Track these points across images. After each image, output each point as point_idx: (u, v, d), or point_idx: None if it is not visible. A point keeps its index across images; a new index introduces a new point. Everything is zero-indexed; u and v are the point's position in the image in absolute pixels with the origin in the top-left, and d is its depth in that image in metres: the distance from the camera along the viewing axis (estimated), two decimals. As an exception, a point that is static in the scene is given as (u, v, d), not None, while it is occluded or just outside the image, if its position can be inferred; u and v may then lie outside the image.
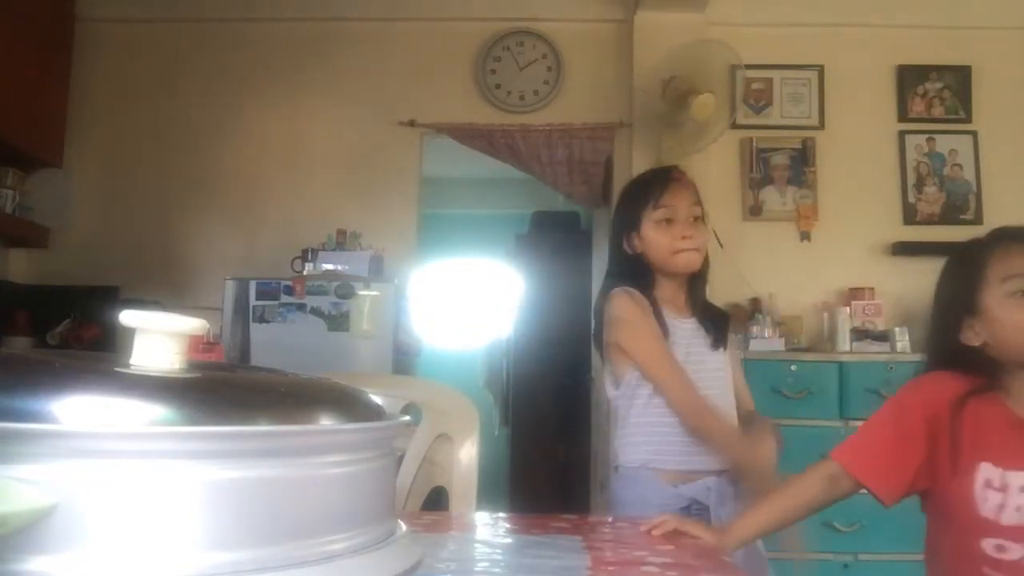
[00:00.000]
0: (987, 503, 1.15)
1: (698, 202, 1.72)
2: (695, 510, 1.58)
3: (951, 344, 1.21)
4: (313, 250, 3.39)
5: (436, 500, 1.49)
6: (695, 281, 1.74)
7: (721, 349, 1.72)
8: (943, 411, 1.20)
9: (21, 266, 3.75)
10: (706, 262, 1.74)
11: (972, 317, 1.20)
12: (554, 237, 5.13)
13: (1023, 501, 1.12)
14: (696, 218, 1.70)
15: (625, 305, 1.66)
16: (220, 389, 0.50)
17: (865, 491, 1.24)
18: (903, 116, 3.75)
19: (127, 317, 0.53)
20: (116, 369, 0.50)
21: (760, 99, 3.76)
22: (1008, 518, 1.13)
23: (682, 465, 1.62)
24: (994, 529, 1.14)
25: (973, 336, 1.20)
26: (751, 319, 3.40)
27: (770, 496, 1.30)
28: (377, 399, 0.59)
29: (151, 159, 3.79)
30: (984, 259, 1.20)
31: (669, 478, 1.62)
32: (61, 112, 3.69)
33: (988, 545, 1.15)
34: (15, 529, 0.39)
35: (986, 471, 1.15)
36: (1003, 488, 1.13)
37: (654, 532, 1.14)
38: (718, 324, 1.73)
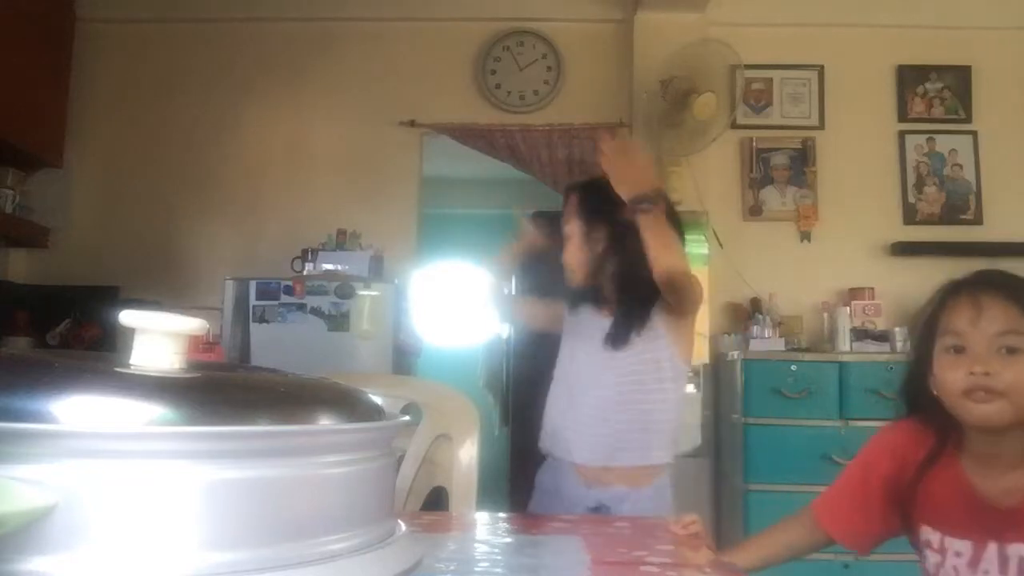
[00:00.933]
0: (927, 560, 1.19)
1: (572, 219, 1.75)
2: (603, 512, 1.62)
3: (922, 392, 1.18)
4: (313, 250, 3.39)
5: (436, 500, 1.49)
6: (605, 284, 1.73)
7: (624, 347, 1.65)
8: (904, 471, 1.21)
9: (21, 266, 3.75)
10: (598, 265, 1.72)
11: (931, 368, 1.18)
12: (554, 237, 5.12)
13: (959, 563, 1.14)
14: (571, 236, 1.75)
15: None
16: (220, 389, 0.50)
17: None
18: (903, 116, 3.75)
19: (127, 317, 0.53)
20: (116, 369, 0.50)
21: (760, 99, 3.76)
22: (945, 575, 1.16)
23: (593, 462, 1.64)
24: None
25: (934, 387, 1.17)
26: (751, 319, 3.40)
27: (763, 533, 1.34)
28: (377, 399, 0.59)
29: (151, 159, 3.79)
30: (938, 309, 1.16)
31: (585, 477, 1.65)
32: (61, 112, 3.69)
33: None
34: (15, 529, 0.39)
35: (926, 532, 1.18)
36: (941, 550, 1.16)
37: (680, 531, 1.18)
38: (633, 314, 1.66)
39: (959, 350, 1.10)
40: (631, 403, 1.64)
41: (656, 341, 1.64)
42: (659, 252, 1.53)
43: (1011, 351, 1.07)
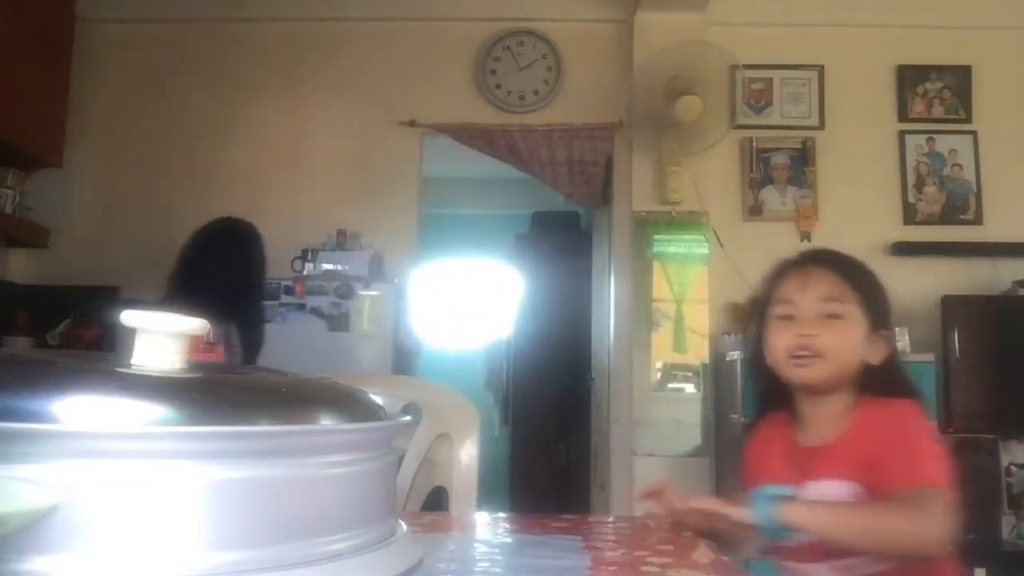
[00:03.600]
0: None
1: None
2: None
3: (760, 364, 1.29)
4: (313, 250, 3.39)
5: (436, 500, 1.49)
6: None
7: None
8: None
9: (21, 266, 3.74)
10: None
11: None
12: (554, 237, 5.13)
13: None
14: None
15: None
16: (220, 389, 0.50)
17: None
18: (903, 116, 3.75)
19: (128, 317, 0.53)
20: (116, 369, 0.50)
21: (760, 99, 3.75)
22: None
23: None
24: None
25: (767, 355, 1.28)
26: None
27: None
28: (377, 399, 0.59)
29: (151, 159, 3.79)
30: (771, 283, 1.29)
31: None
32: (61, 112, 3.69)
33: None
34: (15, 529, 0.39)
35: None
36: None
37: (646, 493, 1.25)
38: None
39: (788, 318, 1.24)
40: None
41: None
42: None
43: (832, 317, 1.23)
